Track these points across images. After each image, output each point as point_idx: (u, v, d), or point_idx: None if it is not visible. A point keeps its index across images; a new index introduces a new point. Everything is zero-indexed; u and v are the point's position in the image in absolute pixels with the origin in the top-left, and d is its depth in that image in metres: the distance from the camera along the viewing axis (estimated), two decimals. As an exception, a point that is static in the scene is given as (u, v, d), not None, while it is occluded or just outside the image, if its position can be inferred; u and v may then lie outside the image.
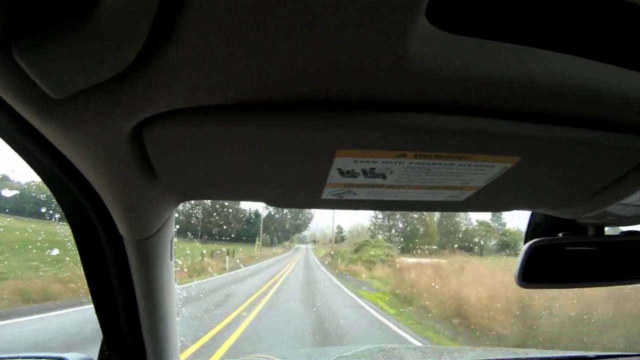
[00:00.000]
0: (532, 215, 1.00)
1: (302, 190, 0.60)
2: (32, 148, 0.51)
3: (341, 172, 0.51)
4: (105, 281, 0.79)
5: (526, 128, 0.44)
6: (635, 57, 0.40)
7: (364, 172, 0.51)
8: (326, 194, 0.59)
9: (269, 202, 0.69)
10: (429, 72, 0.35)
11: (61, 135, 0.44)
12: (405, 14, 0.29)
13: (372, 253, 24.86)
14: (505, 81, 0.38)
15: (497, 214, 32.15)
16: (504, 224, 33.40)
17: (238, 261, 21.95)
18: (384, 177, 0.52)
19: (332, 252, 33.66)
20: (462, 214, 32.91)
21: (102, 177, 0.54)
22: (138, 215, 0.66)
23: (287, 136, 0.43)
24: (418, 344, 6.59)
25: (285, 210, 51.91)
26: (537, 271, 0.91)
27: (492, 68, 0.37)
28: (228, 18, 0.29)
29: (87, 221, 0.70)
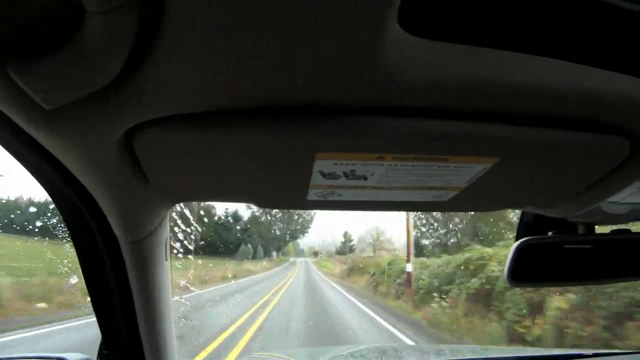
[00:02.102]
0: (522, 214, 1.01)
1: (288, 192, 0.62)
2: (29, 155, 0.54)
3: (323, 175, 0.52)
4: (102, 281, 0.81)
5: (501, 129, 0.45)
6: (611, 57, 0.41)
7: (345, 174, 0.52)
8: (311, 196, 0.61)
9: (258, 204, 0.70)
10: (402, 77, 0.36)
11: (55, 143, 0.47)
12: (376, 21, 0.30)
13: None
14: (479, 84, 0.39)
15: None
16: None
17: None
18: (365, 178, 0.53)
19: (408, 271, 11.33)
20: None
21: (96, 181, 0.57)
22: (132, 217, 0.68)
23: (268, 141, 0.45)
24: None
25: (275, 211, 37.29)
26: (527, 270, 0.92)
27: (465, 72, 0.38)
28: (205, 31, 0.31)
29: (83, 223, 0.72)
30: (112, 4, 0.27)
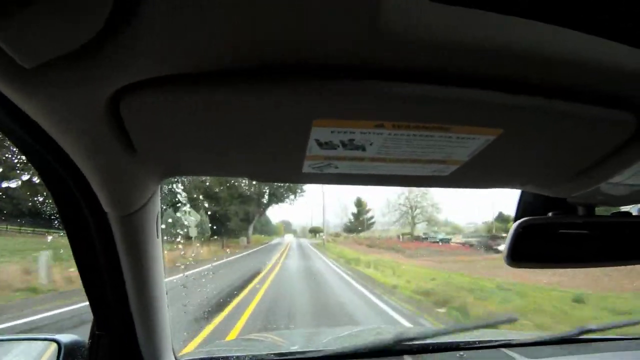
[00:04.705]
0: (522, 194, 1.00)
1: (283, 164, 0.60)
2: (11, 122, 0.52)
3: (320, 144, 0.51)
4: (92, 259, 0.80)
5: (508, 98, 0.43)
6: (624, 29, 0.39)
7: (343, 144, 0.51)
8: (307, 168, 0.59)
9: (252, 177, 0.69)
10: (405, 38, 0.35)
11: (37, 106, 0.44)
12: None
13: None
14: (485, 49, 0.37)
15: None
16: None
17: None
18: (363, 149, 0.52)
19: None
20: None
21: (80, 150, 0.55)
22: (120, 191, 0.66)
23: (261, 105, 0.43)
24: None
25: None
26: (526, 250, 0.92)
27: (471, 35, 0.36)
28: None
29: (72, 198, 0.70)
30: None
